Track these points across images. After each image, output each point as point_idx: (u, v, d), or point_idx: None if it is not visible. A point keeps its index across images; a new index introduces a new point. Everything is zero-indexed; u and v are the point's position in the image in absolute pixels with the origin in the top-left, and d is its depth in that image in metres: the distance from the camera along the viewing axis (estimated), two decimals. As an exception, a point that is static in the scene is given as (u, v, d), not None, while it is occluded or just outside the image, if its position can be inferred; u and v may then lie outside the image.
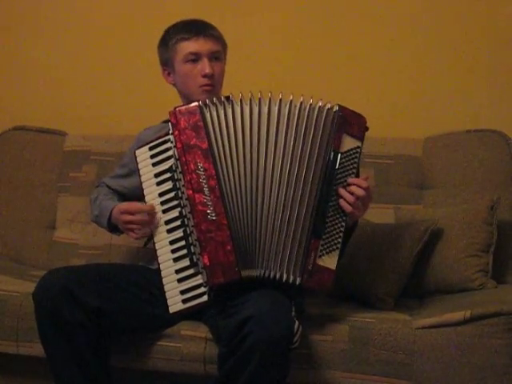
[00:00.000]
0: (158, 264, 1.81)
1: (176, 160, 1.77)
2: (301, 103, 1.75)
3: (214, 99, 1.78)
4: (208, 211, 1.72)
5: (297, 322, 1.66)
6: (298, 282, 1.72)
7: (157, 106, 2.17)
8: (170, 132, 1.78)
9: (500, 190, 2.22)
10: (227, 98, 1.79)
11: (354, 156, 1.76)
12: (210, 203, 1.72)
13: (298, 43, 2.69)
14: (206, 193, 1.72)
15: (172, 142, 1.78)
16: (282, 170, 1.74)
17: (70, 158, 2.64)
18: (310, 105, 1.76)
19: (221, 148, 1.75)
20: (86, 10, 2.90)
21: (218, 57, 1.99)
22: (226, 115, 1.76)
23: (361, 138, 1.77)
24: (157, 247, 1.82)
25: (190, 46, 1.96)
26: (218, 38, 2.00)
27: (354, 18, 2.64)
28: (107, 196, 2.09)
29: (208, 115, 1.76)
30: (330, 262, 1.73)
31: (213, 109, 1.77)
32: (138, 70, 2.81)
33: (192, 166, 1.73)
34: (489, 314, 1.73)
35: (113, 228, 2.00)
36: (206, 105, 1.77)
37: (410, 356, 1.75)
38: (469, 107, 2.53)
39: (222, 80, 2.01)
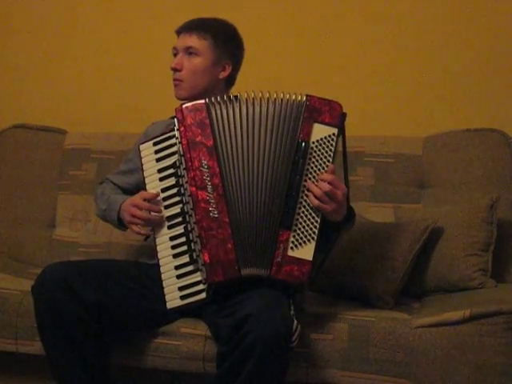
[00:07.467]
0: (158, 259, 1.81)
1: (180, 156, 1.76)
2: (275, 99, 1.75)
3: (222, 97, 1.77)
4: (210, 209, 1.71)
5: (295, 321, 1.65)
6: (266, 274, 1.69)
7: (157, 104, 2.17)
8: (176, 128, 1.77)
9: (500, 189, 2.22)
10: (235, 97, 1.78)
11: (329, 144, 1.73)
12: (212, 201, 1.71)
13: (300, 42, 2.69)
14: (210, 190, 1.72)
15: (177, 138, 1.77)
16: (265, 167, 1.73)
17: (69, 156, 2.64)
18: (282, 99, 1.75)
19: (226, 146, 1.74)
20: (86, 10, 2.90)
21: (191, 52, 1.99)
22: (233, 114, 1.75)
23: (336, 125, 1.74)
24: (157, 243, 1.82)
25: (176, 42, 2.03)
26: (201, 35, 1.99)
27: (356, 18, 2.64)
28: (114, 191, 2.10)
29: (214, 113, 1.76)
30: (304, 252, 1.69)
31: (219, 107, 1.76)
32: (138, 69, 2.81)
33: (196, 162, 1.73)
34: (488, 314, 1.73)
35: (121, 222, 2.00)
36: (212, 102, 1.77)
37: (409, 355, 1.75)
38: (469, 106, 2.53)
39: (196, 75, 1.99)
